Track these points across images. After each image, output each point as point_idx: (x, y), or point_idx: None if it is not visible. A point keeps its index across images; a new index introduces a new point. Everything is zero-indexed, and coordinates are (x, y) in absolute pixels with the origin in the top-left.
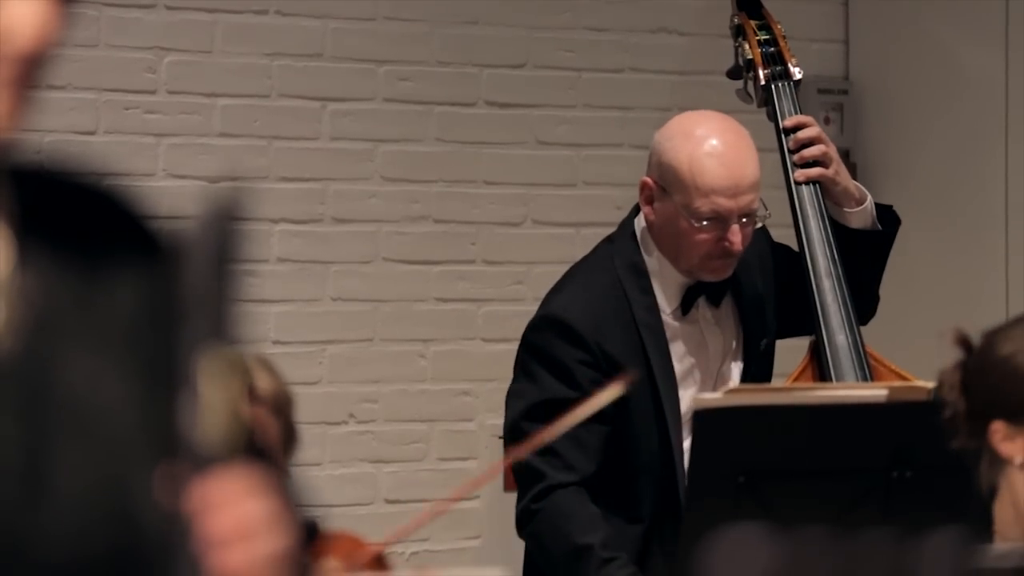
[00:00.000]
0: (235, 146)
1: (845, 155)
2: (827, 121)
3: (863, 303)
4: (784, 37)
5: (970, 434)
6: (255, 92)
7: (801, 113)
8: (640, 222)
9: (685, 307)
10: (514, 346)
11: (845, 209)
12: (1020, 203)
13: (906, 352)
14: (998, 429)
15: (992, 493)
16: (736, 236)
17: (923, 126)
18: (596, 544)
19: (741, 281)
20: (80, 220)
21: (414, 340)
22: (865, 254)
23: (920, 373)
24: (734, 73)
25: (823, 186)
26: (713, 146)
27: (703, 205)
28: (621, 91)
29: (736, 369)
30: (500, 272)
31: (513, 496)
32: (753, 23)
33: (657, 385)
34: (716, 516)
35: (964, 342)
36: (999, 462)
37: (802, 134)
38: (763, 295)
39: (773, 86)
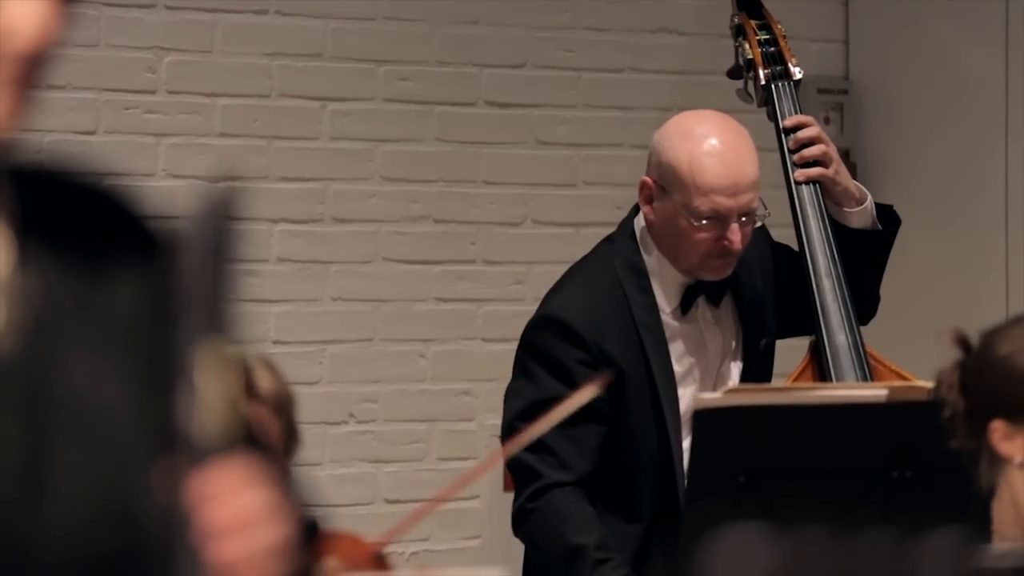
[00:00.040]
0: (235, 146)
1: (845, 155)
2: (827, 121)
3: (863, 303)
4: (784, 37)
5: (969, 434)
6: (255, 92)
7: (801, 113)
8: (640, 222)
9: (685, 307)
10: (514, 346)
11: (845, 209)
12: (1020, 203)
13: (906, 352)
14: (997, 428)
15: (991, 493)
16: (735, 235)
17: (923, 126)
18: (590, 545)
19: (741, 281)
20: (80, 220)
21: (414, 340)
22: (865, 254)
23: (920, 373)
24: (734, 73)
25: (823, 186)
26: (712, 145)
27: (702, 204)
28: (621, 91)
29: (736, 369)
30: (500, 272)
31: (512, 496)
32: (753, 23)
33: (656, 385)
34: (716, 516)
35: (962, 342)
36: (998, 461)
37: (802, 134)
38: (763, 295)
39: (773, 86)
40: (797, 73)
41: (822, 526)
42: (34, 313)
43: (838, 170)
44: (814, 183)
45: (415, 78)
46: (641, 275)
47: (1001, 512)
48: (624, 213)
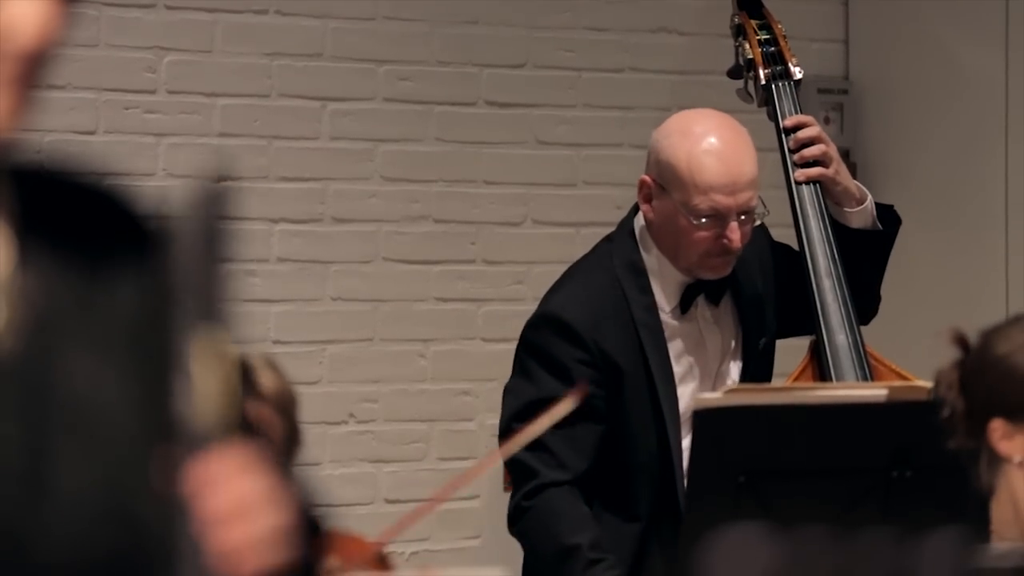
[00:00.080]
0: (235, 146)
1: (845, 155)
2: (827, 121)
3: (864, 303)
4: (785, 37)
5: (968, 433)
6: (255, 92)
7: (801, 113)
8: (639, 221)
9: (684, 305)
10: (514, 346)
11: (845, 209)
12: (1020, 203)
13: (906, 352)
14: (997, 428)
15: (990, 492)
16: (735, 233)
17: (923, 126)
18: (584, 544)
19: (740, 280)
20: (80, 220)
21: (414, 340)
22: (865, 254)
23: (920, 373)
24: (734, 73)
25: (823, 186)
26: (711, 144)
27: (701, 203)
28: (621, 91)
29: (735, 368)
30: (500, 272)
31: None
32: (754, 23)
33: (655, 384)
34: (716, 516)
35: (961, 341)
36: (997, 461)
37: (802, 134)
38: (762, 294)
39: (773, 86)
40: (797, 73)
41: (822, 526)
42: (34, 313)
43: (838, 170)
44: (814, 183)
45: (415, 78)
46: (640, 274)
47: (1000, 512)
48: (624, 213)
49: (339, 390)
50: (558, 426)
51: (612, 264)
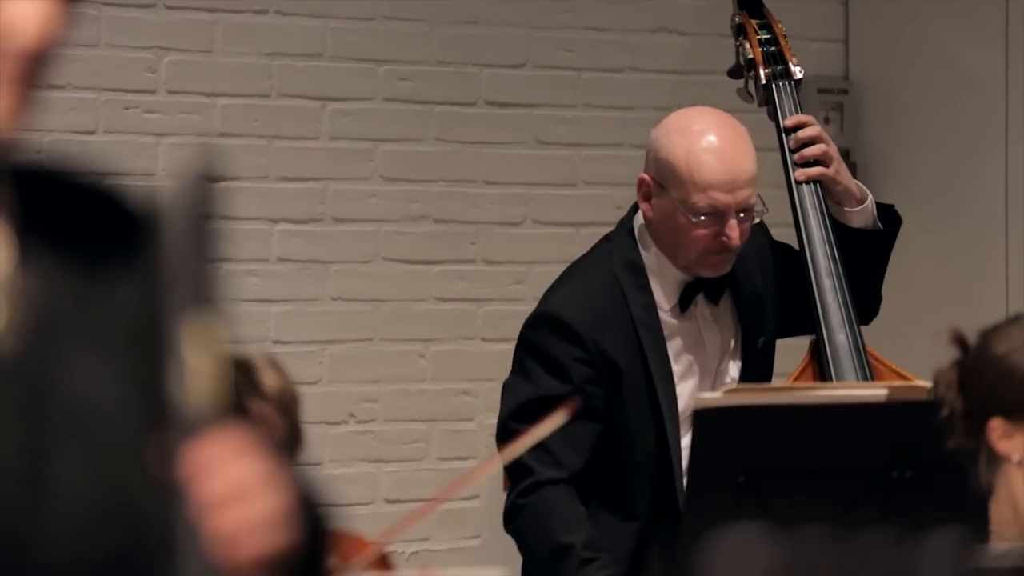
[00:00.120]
0: (235, 146)
1: (845, 155)
2: (827, 121)
3: (865, 303)
4: (785, 36)
5: (967, 433)
6: (255, 92)
7: (802, 112)
8: (638, 219)
9: (683, 304)
10: (514, 346)
11: (846, 208)
12: (1020, 203)
13: (906, 352)
14: (996, 427)
15: (990, 492)
16: (734, 231)
17: (923, 126)
18: (577, 544)
19: (740, 278)
20: (80, 220)
21: (414, 340)
22: (866, 253)
23: (920, 373)
24: (735, 72)
25: (824, 185)
26: (710, 142)
27: (700, 200)
28: (621, 91)
29: (734, 367)
30: (500, 272)
31: None
32: (754, 22)
33: (654, 383)
34: (716, 516)
35: (960, 341)
36: (996, 460)
37: (803, 133)
38: (762, 293)
39: (774, 85)
40: (798, 72)
41: (822, 526)
42: (35, 313)
43: (839, 169)
44: (815, 182)
45: (415, 78)
46: (639, 273)
47: (999, 511)
48: (624, 213)
49: (339, 390)
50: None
51: (611, 263)
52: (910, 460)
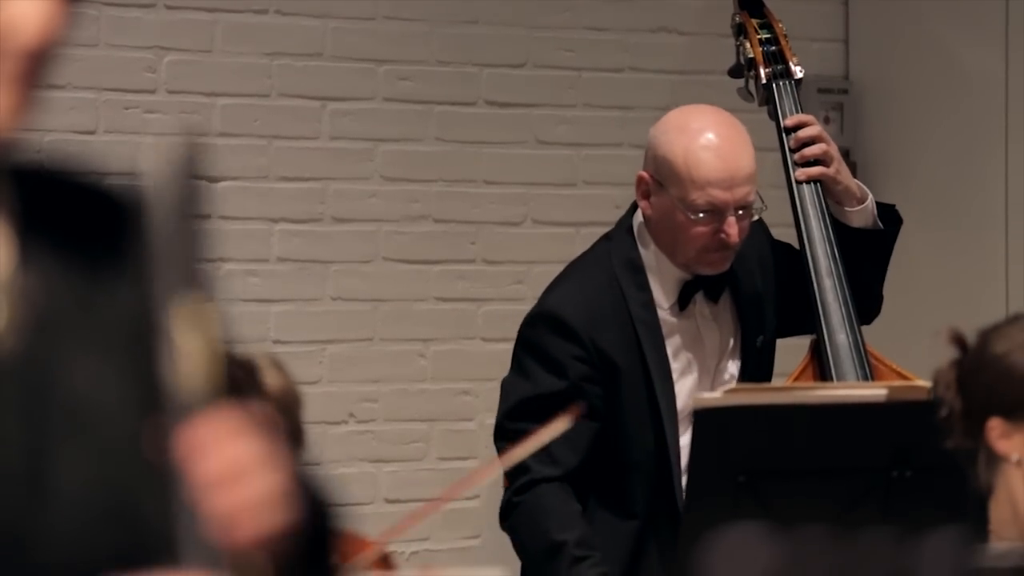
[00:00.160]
0: (235, 146)
1: (845, 155)
2: (827, 121)
3: (866, 302)
4: (785, 36)
5: (966, 433)
6: (255, 92)
7: (802, 112)
8: (637, 218)
9: (682, 302)
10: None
11: (846, 208)
12: (1020, 203)
13: (906, 352)
14: (994, 427)
15: (989, 492)
16: (732, 228)
17: (923, 126)
18: (570, 541)
19: (739, 278)
20: (81, 220)
21: (414, 340)
22: (866, 253)
23: (920, 373)
24: (735, 72)
25: (824, 185)
26: (708, 139)
27: (699, 198)
28: (621, 91)
29: (734, 366)
30: (500, 272)
31: None
32: (755, 21)
33: (652, 381)
34: (716, 516)
35: (959, 341)
36: (995, 460)
37: (803, 133)
38: (761, 292)
39: (774, 85)
40: (798, 72)
41: (822, 526)
42: (35, 313)
43: (839, 169)
44: (815, 182)
45: (415, 78)
46: (638, 271)
47: (998, 511)
48: (624, 213)
49: (339, 390)
50: (551, 421)
51: (610, 262)
52: (910, 460)
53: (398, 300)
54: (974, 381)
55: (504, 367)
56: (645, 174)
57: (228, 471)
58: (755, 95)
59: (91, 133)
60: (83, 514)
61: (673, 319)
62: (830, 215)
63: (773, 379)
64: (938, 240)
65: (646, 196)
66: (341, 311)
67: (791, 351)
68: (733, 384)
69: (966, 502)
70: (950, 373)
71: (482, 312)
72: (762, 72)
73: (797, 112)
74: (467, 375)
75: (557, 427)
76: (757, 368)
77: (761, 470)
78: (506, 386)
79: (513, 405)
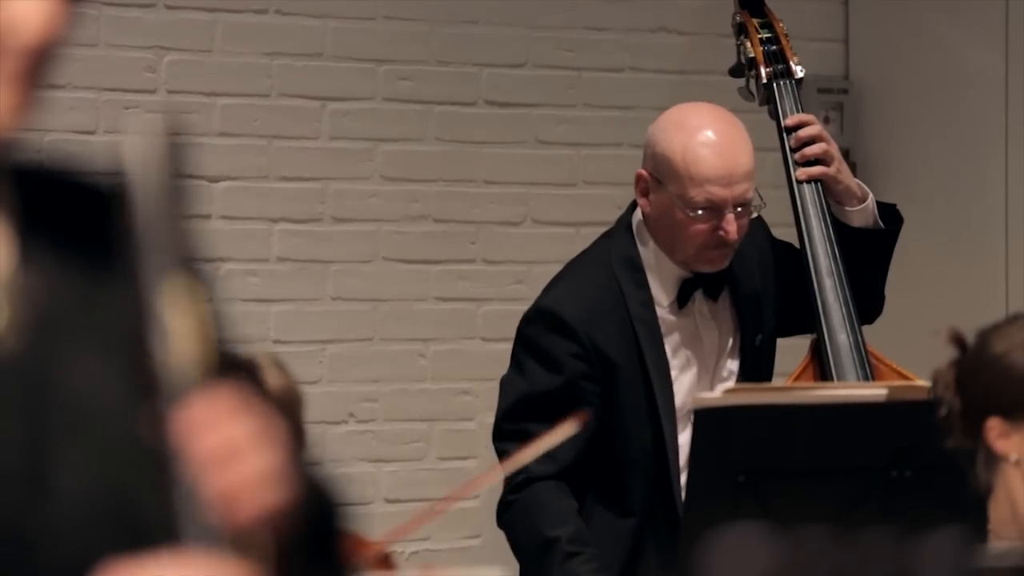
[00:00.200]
0: (235, 146)
1: (845, 155)
2: (827, 120)
3: (868, 302)
4: (786, 35)
5: (965, 432)
6: (255, 92)
7: (803, 111)
8: (637, 216)
9: (681, 300)
10: None
11: (847, 208)
12: (1020, 203)
13: (906, 352)
14: (993, 427)
15: (988, 491)
16: (731, 225)
17: (923, 126)
18: (563, 537)
19: (739, 276)
20: (82, 220)
21: (414, 340)
22: (867, 253)
23: (921, 373)
24: (736, 71)
25: (825, 184)
26: (707, 136)
27: (697, 195)
28: (621, 90)
29: (733, 365)
30: (500, 272)
31: None
32: (755, 21)
33: (651, 379)
34: (716, 516)
35: (958, 340)
36: (994, 460)
37: (803, 132)
38: (760, 291)
39: (775, 84)
40: (799, 71)
41: (822, 526)
42: (36, 313)
43: (840, 168)
44: (816, 182)
45: (415, 78)
46: (637, 269)
47: (997, 511)
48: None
49: (339, 390)
50: (551, 420)
51: (609, 260)
52: (910, 460)
53: (398, 300)
54: (973, 381)
55: (504, 367)
56: (644, 172)
57: (224, 450)
58: (756, 94)
59: (91, 133)
60: (83, 514)
61: (672, 317)
62: (831, 215)
63: (773, 379)
64: (938, 240)
65: (645, 194)
66: (341, 311)
67: (791, 351)
68: (732, 381)
69: (966, 502)
70: (949, 373)
71: (482, 312)
72: (763, 71)
73: (798, 111)
74: (467, 375)
75: (563, 432)
76: (756, 367)
77: (761, 470)
78: (504, 384)
79: (511, 403)
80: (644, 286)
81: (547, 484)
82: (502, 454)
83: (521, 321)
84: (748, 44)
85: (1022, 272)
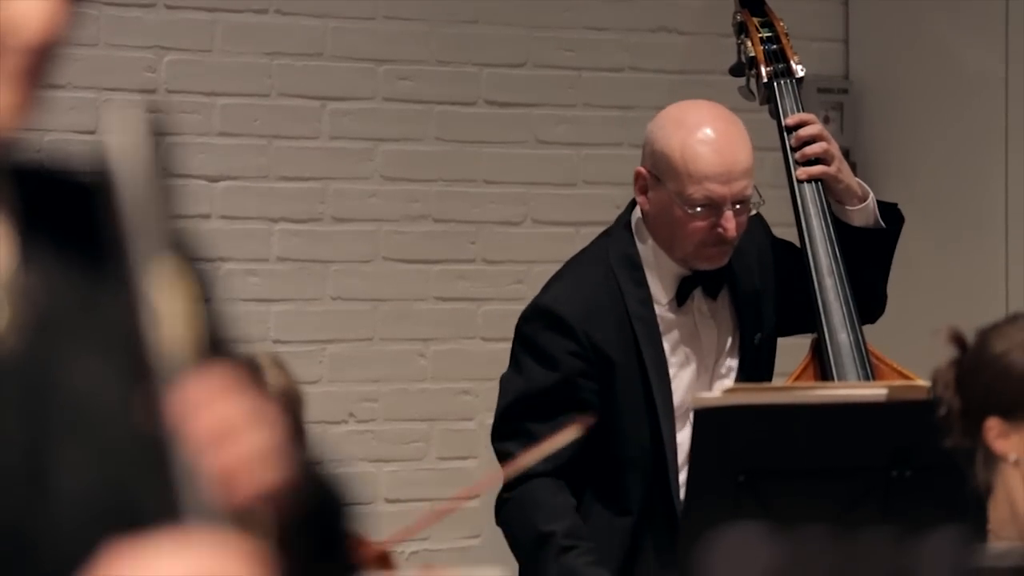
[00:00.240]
0: (235, 145)
1: (845, 155)
2: (827, 120)
3: (869, 302)
4: (787, 34)
5: (964, 432)
6: (255, 91)
7: (803, 111)
8: (636, 214)
9: (680, 298)
10: None
11: (847, 207)
12: (1020, 203)
13: (906, 352)
14: (992, 426)
15: (987, 491)
16: (730, 222)
17: (923, 126)
18: (558, 532)
19: (738, 275)
20: (82, 219)
21: (414, 339)
22: (868, 252)
23: (921, 373)
24: (736, 70)
25: (825, 184)
26: (705, 134)
27: (696, 192)
28: (621, 90)
29: (732, 364)
30: (500, 271)
31: None
32: (756, 20)
33: (649, 377)
34: (716, 516)
35: (958, 340)
36: (993, 460)
37: (804, 131)
38: (760, 289)
39: (775, 83)
40: (799, 71)
41: (822, 526)
42: (36, 312)
43: (840, 168)
44: (816, 181)
45: (415, 77)
46: (635, 267)
47: (997, 511)
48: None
49: (339, 390)
50: (548, 418)
51: (607, 258)
52: (910, 460)
53: (398, 300)
54: (973, 380)
55: (504, 367)
56: (643, 169)
57: (219, 429)
58: (756, 94)
59: (91, 133)
60: (83, 514)
61: (671, 315)
62: (831, 214)
63: (773, 379)
64: (938, 240)
65: (644, 191)
66: (341, 311)
67: (791, 351)
68: (731, 379)
69: (965, 502)
70: (949, 372)
71: (482, 312)
72: (763, 71)
73: (798, 111)
74: (467, 375)
75: (566, 435)
76: (756, 366)
77: (761, 470)
78: (503, 383)
79: (509, 402)
80: (643, 284)
81: (543, 481)
82: (501, 453)
83: (519, 319)
84: (748, 43)
85: (1022, 272)
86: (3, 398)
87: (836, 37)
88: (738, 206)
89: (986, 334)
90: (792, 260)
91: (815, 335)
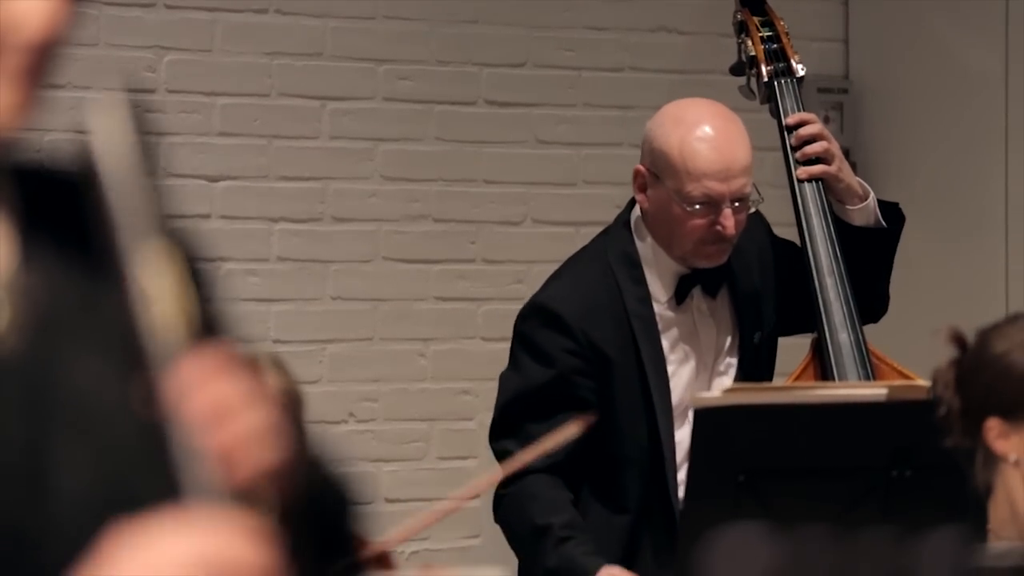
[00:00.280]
0: (235, 145)
1: (845, 154)
2: (827, 120)
3: (871, 302)
4: (787, 33)
5: (964, 432)
6: (255, 91)
7: (804, 110)
8: (635, 212)
9: (679, 296)
10: None
11: (848, 206)
12: (1020, 203)
13: (906, 352)
14: (992, 427)
15: (987, 491)
16: (728, 220)
17: (923, 126)
18: (556, 524)
19: (737, 274)
20: (82, 219)
21: (414, 339)
22: (869, 251)
23: (921, 373)
24: (737, 69)
25: (826, 183)
26: (704, 131)
27: (695, 189)
28: (621, 90)
29: (731, 363)
30: (500, 271)
31: None
32: (756, 19)
33: (647, 375)
34: (715, 515)
35: (958, 340)
36: (993, 460)
37: (804, 131)
38: (760, 289)
39: (776, 83)
40: (800, 70)
41: (822, 525)
42: (37, 312)
43: (841, 167)
44: (817, 180)
45: (415, 77)
46: (634, 266)
47: (997, 511)
48: None
49: (339, 389)
50: (545, 416)
51: (606, 256)
52: (910, 460)
53: (398, 300)
54: (973, 380)
55: (504, 366)
56: (642, 167)
57: (216, 409)
58: (756, 93)
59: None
60: (84, 513)
61: (670, 313)
62: (832, 213)
63: (774, 379)
64: (938, 240)
65: (643, 189)
66: (341, 311)
67: (791, 351)
68: (730, 377)
69: (965, 502)
70: (949, 372)
71: (482, 312)
72: (763, 70)
73: (799, 110)
74: (467, 375)
75: (565, 433)
76: (756, 365)
77: (761, 469)
78: (502, 380)
79: (507, 400)
80: (641, 282)
81: (539, 476)
82: (499, 451)
83: (517, 317)
84: (749, 42)
85: (1022, 272)
86: (3, 398)
87: (836, 37)
88: (737, 204)
89: (986, 334)
90: (792, 259)
91: (815, 335)
